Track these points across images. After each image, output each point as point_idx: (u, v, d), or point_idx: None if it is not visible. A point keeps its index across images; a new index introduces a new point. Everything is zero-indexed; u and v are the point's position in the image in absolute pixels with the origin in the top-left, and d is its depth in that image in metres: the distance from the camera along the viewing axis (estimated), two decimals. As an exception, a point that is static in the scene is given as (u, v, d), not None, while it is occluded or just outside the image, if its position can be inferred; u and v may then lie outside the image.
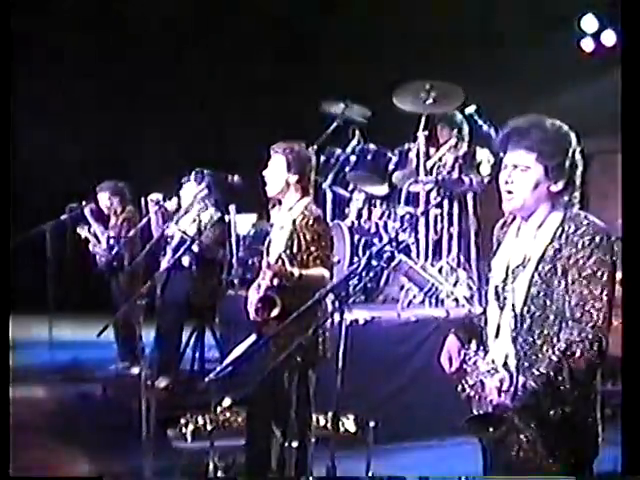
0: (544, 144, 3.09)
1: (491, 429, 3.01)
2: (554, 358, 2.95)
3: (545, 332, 3.05)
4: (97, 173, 8.92)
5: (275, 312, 4.65)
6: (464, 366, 3.25)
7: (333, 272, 4.80)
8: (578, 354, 2.94)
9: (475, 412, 3.12)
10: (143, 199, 7.49)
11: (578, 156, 3.15)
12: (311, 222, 4.73)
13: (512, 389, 2.95)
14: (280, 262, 4.68)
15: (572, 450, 3.09)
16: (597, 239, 3.01)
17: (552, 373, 2.94)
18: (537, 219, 3.15)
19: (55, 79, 10.89)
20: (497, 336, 3.18)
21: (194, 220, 7.14)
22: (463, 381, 3.24)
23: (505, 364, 3.09)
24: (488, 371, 3.11)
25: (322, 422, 5.80)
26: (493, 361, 3.14)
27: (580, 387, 3.02)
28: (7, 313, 4.01)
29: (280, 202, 4.98)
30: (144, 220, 7.32)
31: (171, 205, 7.25)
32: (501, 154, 3.21)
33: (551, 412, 3.03)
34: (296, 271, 4.63)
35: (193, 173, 7.04)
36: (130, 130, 11.38)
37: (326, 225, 4.90)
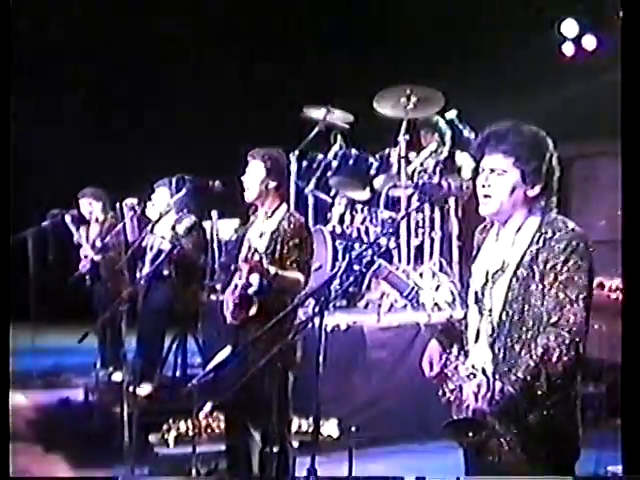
0: (521, 149, 3.12)
1: (470, 434, 3.02)
2: (531, 363, 2.96)
3: (523, 336, 3.06)
4: (79, 179, 8.88)
5: (253, 311, 4.66)
6: (445, 370, 3.26)
7: (309, 279, 4.81)
8: (555, 358, 2.95)
9: (454, 417, 3.12)
10: (118, 204, 7.47)
11: (555, 162, 3.18)
12: (296, 228, 4.76)
13: (489, 394, 2.95)
14: (257, 257, 4.68)
15: (553, 453, 3.09)
16: (574, 244, 3.03)
17: (530, 378, 2.95)
18: (515, 224, 3.17)
19: (38, 85, 10.85)
20: (477, 341, 3.19)
21: (173, 226, 7.12)
22: (443, 385, 3.25)
23: (483, 369, 3.09)
24: (467, 376, 3.11)
25: (304, 427, 5.82)
26: (473, 366, 3.14)
27: (559, 391, 3.03)
28: (7, 319, 4.01)
29: (257, 208, 4.99)
30: (119, 226, 7.30)
31: (151, 210, 7.23)
32: (478, 158, 3.24)
33: (530, 417, 3.04)
34: (272, 269, 4.64)
35: (174, 178, 7.03)
36: (111, 135, 11.34)
37: (309, 232, 4.92)
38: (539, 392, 2.98)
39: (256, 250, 4.74)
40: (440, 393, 3.26)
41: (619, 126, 3.63)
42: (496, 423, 3.05)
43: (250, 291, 4.69)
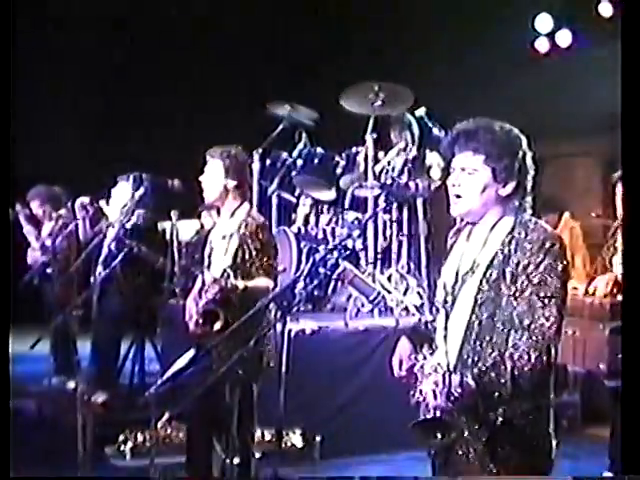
0: (492, 146, 3.13)
1: (439, 435, 3.02)
2: (498, 358, 2.97)
3: (492, 340, 3.06)
4: (35, 176, 8.80)
5: (217, 326, 4.64)
6: (414, 370, 3.23)
7: (277, 282, 4.80)
8: (524, 361, 2.95)
9: (435, 412, 3.06)
10: (70, 204, 7.41)
11: (529, 160, 3.19)
12: (255, 231, 4.75)
13: (446, 389, 2.94)
14: (226, 276, 4.67)
15: (524, 465, 3.08)
16: (547, 245, 3.03)
17: (493, 373, 2.95)
18: (487, 224, 3.18)
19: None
20: (445, 343, 3.18)
21: (130, 226, 7.07)
22: (414, 386, 3.24)
23: (448, 369, 3.08)
24: (430, 374, 3.09)
25: (267, 437, 5.80)
26: (436, 368, 3.11)
27: (528, 399, 3.04)
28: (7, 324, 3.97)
29: (219, 209, 4.98)
30: (71, 226, 7.24)
31: (106, 210, 7.18)
32: (448, 157, 3.25)
33: (494, 421, 3.03)
34: (241, 284, 4.64)
35: (131, 177, 6.97)
36: (68, 131, 11.25)
37: (270, 234, 4.92)
38: (502, 392, 2.97)
39: (225, 271, 4.72)
40: (411, 393, 3.25)
41: (607, 124, 3.69)
42: (465, 427, 3.05)
43: (216, 306, 4.67)
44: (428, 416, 3.05)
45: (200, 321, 4.73)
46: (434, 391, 2.97)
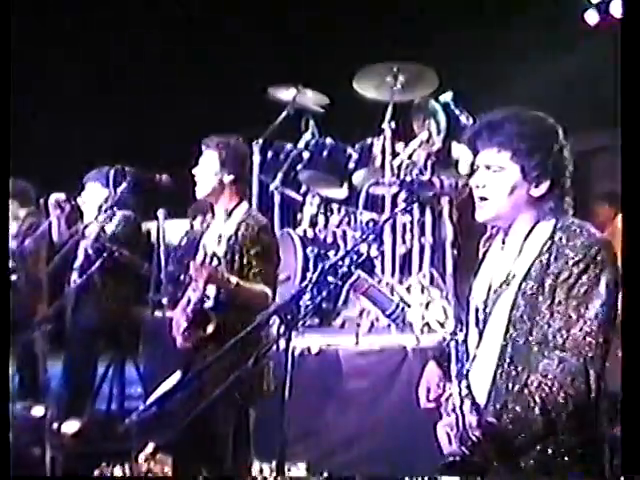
0: (521, 140, 3.10)
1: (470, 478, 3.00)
2: (526, 391, 2.92)
3: (529, 364, 3.01)
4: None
5: (210, 329, 4.66)
6: (441, 401, 3.24)
7: (276, 292, 4.84)
8: (556, 389, 2.90)
9: (451, 458, 3.08)
10: (43, 200, 7.41)
11: (566, 154, 3.16)
12: (255, 233, 4.77)
13: (459, 433, 2.94)
14: (216, 261, 4.71)
15: None
16: (593, 252, 2.99)
17: (519, 408, 2.91)
18: (521, 230, 3.15)
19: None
20: (475, 368, 3.15)
21: (110, 226, 7.07)
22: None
23: (474, 402, 3.04)
24: (453, 410, 3.07)
25: (267, 471, 5.79)
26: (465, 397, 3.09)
27: (568, 432, 2.97)
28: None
29: (212, 206, 5.00)
30: (43, 226, 7.25)
31: (83, 208, 7.18)
32: (472, 153, 3.22)
33: (528, 456, 2.97)
34: (234, 279, 4.65)
35: (112, 171, 6.98)
36: (39, 118, 11.28)
37: (272, 237, 4.95)
38: (533, 429, 2.92)
39: (215, 254, 4.73)
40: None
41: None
42: (500, 469, 2.99)
43: (206, 305, 4.67)
44: (457, 457, 3.04)
45: (189, 324, 4.73)
46: (448, 435, 2.97)
